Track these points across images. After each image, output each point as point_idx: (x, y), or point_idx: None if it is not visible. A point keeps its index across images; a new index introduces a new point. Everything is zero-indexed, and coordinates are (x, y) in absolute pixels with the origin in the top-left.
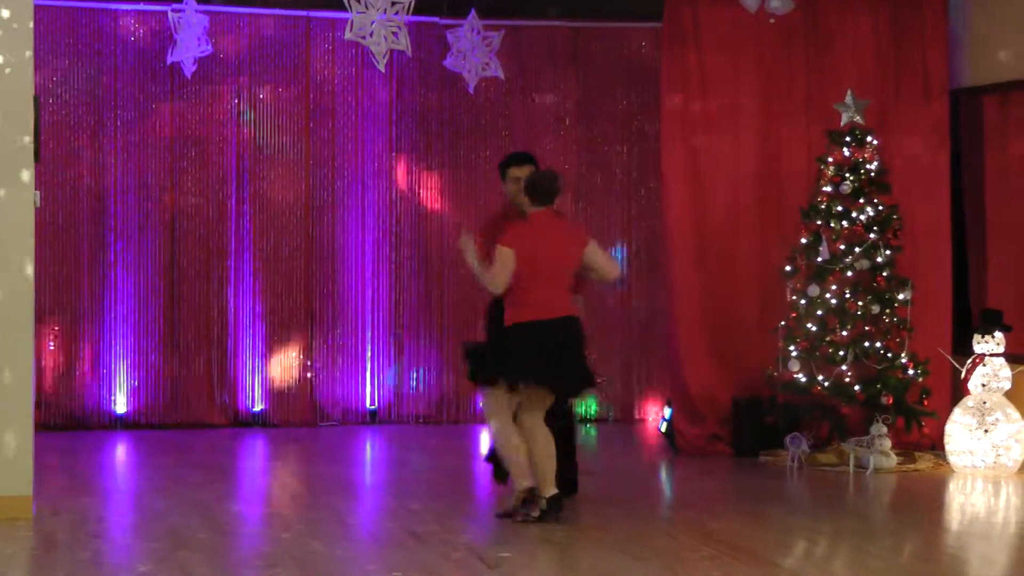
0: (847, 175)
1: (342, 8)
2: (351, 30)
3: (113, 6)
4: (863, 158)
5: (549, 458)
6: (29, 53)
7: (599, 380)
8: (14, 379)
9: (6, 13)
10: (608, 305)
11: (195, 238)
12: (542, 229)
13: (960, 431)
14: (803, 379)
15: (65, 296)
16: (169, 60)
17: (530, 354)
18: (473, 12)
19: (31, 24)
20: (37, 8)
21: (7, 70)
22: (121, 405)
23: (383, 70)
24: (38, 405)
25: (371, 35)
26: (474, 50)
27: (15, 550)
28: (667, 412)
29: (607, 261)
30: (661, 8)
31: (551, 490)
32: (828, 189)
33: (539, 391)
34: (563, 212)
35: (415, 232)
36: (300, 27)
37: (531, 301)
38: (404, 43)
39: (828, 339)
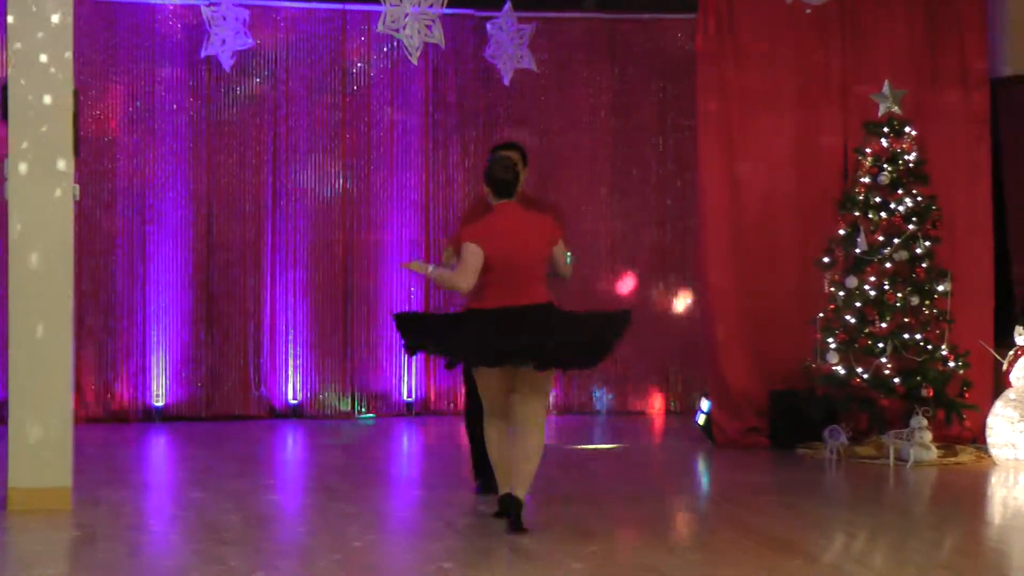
0: (885, 166)
1: (377, 1)
2: (384, 23)
3: (151, 0)
4: (901, 148)
5: (526, 460)
6: (69, 53)
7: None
8: (53, 372)
9: (48, 9)
10: (644, 298)
11: (232, 231)
12: (506, 221)
13: (1002, 424)
14: (842, 371)
15: (103, 289)
16: (203, 54)
17: (486, 335)
18: (508, 4)
19: (71, 20)
20: (76, 2)
21: (48, 66)
22: (159, 397)
23: (416, 63)
24: (77, 398)
25: (404, 28)
26: (509, 42)
27: (54, 540)
28: (704, 405)
29: (563, 264)
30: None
31: (507, 489)
32: (866, 180)
33: (535, 376)
34: (535, 201)
35: (451, 224)
36: (335, 20)
37: (494, 291)
38: (438, 36)
39: (867, 331)
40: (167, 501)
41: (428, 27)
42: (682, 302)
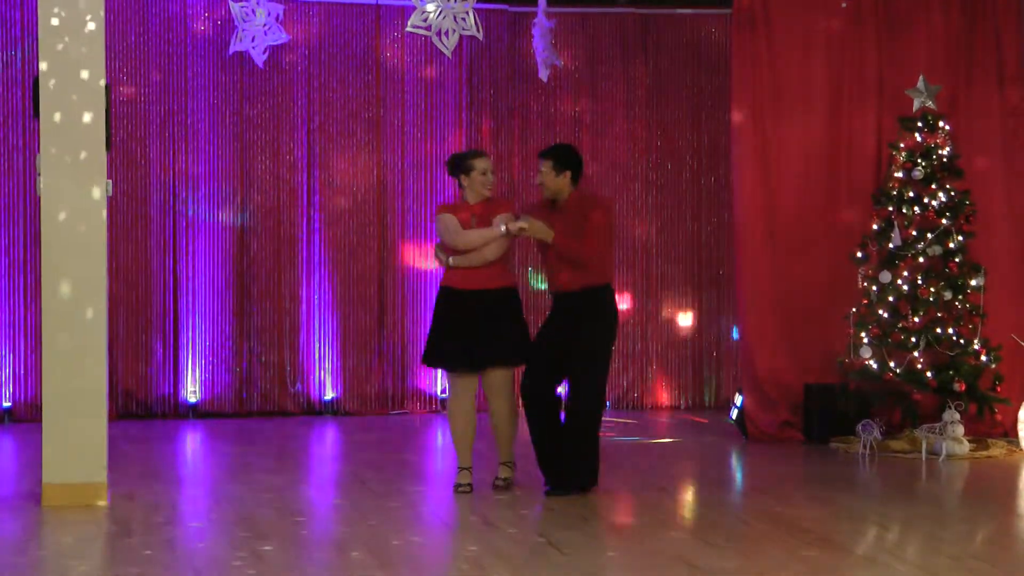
0: (919, 161)
1: None
2: (413, 22)
3: None
4: (935, 143)
5: (500, 429)
6: (100, 49)
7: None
8: (88, 368)
9: (80, 6)
10: (678, 290)
11: (266, 227)
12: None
13: None
14: (875, 366)
15: (137, 285)
16: (231, 51)
17: (439, 333)
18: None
19: (102, 15)
20: None
21: (80, 62)
22: (194, 394)
23: (450, 56)
24: (111, 394)
25: (433, 26)
26: (540, 38)
27: (91, 535)
28: (738, 399)
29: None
30: None
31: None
32: (900, 175)
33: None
34: (583, 197)
35: None
36: (369, 15)
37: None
38: (472, 27)
39: (900, 325)
40: (203, 496)
41: (462, 19)
42: (715, 297)
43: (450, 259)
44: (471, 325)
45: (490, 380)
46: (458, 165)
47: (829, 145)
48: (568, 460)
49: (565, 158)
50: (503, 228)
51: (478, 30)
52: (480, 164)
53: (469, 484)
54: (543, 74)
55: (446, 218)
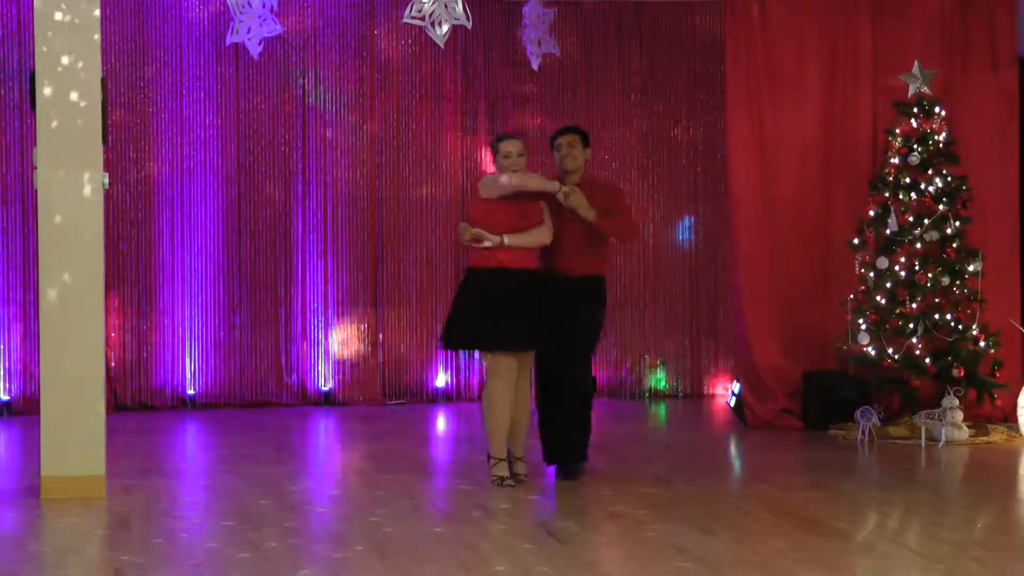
0: (915, 146)
1: None
2: (409, 13)
3: None
4: (931, 129)
5: (521, 419)
6: (97, 41)
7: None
8: (85, 360)
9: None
10: (675, 279)
11: (261, 218)
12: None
13: None
14: (873, 352)
15: (135, 277)
16: (228, 42)
17: (469, 314)
18: None
19: (98, 7)
20: None
21: (76, 55)
22: (190, 386)
23: (442, 46)
24: (109, 386)
25: (428, 17)
26: (535, 26)
27: (89, 528)
28: (736, 387)
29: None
30: None
31: (518, 452)
32: (896, 160)
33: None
34: (595, 182)
35: None
36: (363, 6)
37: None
38: (460, 14)
39: (898, 312)
40: (201, 488)
41: (452, 7)
42: (713, 284)
43: (505, 238)
44: (517, 305)
45: (524, 364)
46: (491, 149)
47: (825, 131)
48: (575, 434)
49: (585, 135)
50: (557, 185)
51: (467, 19)
52: (503, 147)
53: (503, 476)
54: (535, 63)
55: (485, 178)
